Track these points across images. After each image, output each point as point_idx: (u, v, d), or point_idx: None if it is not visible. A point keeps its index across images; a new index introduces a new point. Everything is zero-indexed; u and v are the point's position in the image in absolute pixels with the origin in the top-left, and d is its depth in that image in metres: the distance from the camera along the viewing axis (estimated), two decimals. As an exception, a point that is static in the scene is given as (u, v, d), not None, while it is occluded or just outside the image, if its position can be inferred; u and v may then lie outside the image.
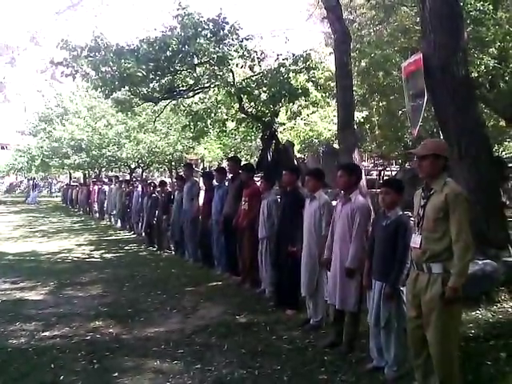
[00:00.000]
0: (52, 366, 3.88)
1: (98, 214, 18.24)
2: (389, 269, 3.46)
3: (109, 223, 16.21)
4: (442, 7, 5.66)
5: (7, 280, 7.12)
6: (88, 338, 4.58)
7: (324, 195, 4.83)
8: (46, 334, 4.70)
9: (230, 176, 7.50)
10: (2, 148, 53.70)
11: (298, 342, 4.34)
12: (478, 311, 4.77)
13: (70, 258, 9.54)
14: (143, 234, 11.55)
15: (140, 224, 12.09)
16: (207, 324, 4.94)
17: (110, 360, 4.02)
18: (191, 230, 8.26)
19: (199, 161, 23.82)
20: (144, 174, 26.33)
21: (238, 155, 22.44)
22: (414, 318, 3.09)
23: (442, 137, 6.02)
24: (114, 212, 15.27)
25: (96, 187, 18.65)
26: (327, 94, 10.91)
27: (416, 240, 3.06)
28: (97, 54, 7.97)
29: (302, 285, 4.79)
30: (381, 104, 14.37)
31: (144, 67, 7.61)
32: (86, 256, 9.71)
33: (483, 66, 10.15)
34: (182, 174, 9.77)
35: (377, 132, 15.16)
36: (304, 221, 4.83)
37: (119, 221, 14.81)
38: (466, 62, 5.96)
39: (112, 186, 16.49)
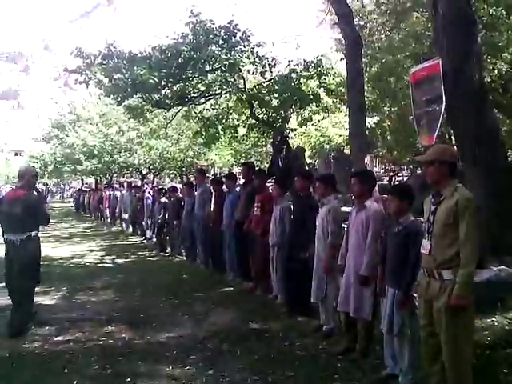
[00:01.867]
0: (65, 370, 3.91)
1: (109, 220, 18.36)
2: (401, 275, 3.43)
3: (120, 229, 16.30)
4: (455, 12, 5.64)
5: (21, 285, 7.17)
6: (101, 342, 4.60)
7: (333, 201, 4.79)
8: (60, 338, 4.73)
9: (242, 181, 7.50)
10: (16, 154, 54.53)
11: (311, 349, 4.31)
12: (493, 318, 4.69)
13: (83, 263, 9.62)
14: (154, 239, 11.61)
15: (151, 229, 12.17)
16: (219, 330, 4.93)
17: (122, 365, 4.03)
18: (202, 236, 8.27)
19: (210, 167, 23.91)
20: (155, 179, 26.49)
21: (249, 161, 22.53)
22: (427, 325, 3.06)
23: (454, 142, 5.98)
24: (125, 217, 15.37)
25: (108, 193, 18.80)
26: (338, 100, 10.89)
27: (426, 246, 3.03)
28: (110, 61, 8.06)
29: (312, 291, 4.78)
30: (392, 109, 14.31)
31: (156, 74, 7.66)
32: (98, 261, 9.78)
33: (496, 71, 10.08)
34: (191, 180, 9.80)
35: (388, 137, 15.09)
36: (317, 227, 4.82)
37: (130, 226, 14.90)
38: (480, 67, 5.92)
39: (124, 191, 16.60)
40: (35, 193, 5.12)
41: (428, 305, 3.02)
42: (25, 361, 4.11)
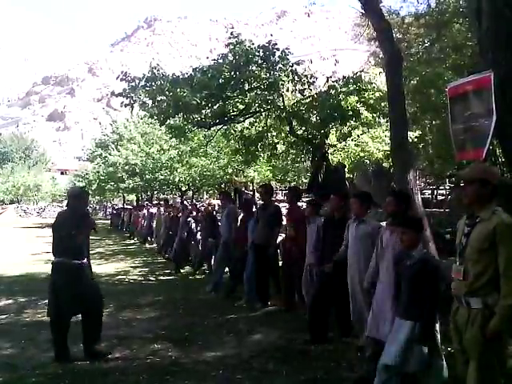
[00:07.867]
0: (116, 388, 3.99)
1: (137, 238, 18.62)
2: (417, 309, 3.29)
3: (158, 246, 16.51)
4: (499, 24, 5.51)
5: (70, 301, 7.40)
6: (148, 361, 4.68)
7: (373, 220, 4.73)
8: (109, 356, 4.83)
9: (261, 203, 7.63)
10: (62, 173, 56.87)
11: (357, 370, 4.24)
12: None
13: (127, 280, 9.83)
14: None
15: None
16: (264, 349, 4.93)
17: (170, 384, 4.09)
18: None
19: (248, 183, 24.05)
20: (194, 196, 26.87)
21: (286, 176, 22.51)
22: (460, 351, 2.89)
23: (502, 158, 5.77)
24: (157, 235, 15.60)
25: (144, 211, 19.14)
26: (378, 114, 10.75)
27: (457, 270, 2.88)
28: (153, 83, 8.32)
29: (352, 312, 4.71)
30: (434, 122, 14.01)
31: (198, 95, 7.85)
32: (142, 278, 9.98)
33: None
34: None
35: (430, 151, 14.76)
36: (349, 246, 4.72)
37: (159, 245, 14.90)
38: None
39: (161, 208, 16.89)
40: None
41: (458, 332, 2.88)
42: (77, 378, 4.23)
